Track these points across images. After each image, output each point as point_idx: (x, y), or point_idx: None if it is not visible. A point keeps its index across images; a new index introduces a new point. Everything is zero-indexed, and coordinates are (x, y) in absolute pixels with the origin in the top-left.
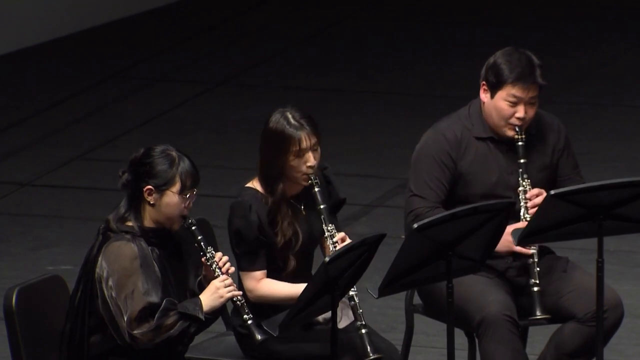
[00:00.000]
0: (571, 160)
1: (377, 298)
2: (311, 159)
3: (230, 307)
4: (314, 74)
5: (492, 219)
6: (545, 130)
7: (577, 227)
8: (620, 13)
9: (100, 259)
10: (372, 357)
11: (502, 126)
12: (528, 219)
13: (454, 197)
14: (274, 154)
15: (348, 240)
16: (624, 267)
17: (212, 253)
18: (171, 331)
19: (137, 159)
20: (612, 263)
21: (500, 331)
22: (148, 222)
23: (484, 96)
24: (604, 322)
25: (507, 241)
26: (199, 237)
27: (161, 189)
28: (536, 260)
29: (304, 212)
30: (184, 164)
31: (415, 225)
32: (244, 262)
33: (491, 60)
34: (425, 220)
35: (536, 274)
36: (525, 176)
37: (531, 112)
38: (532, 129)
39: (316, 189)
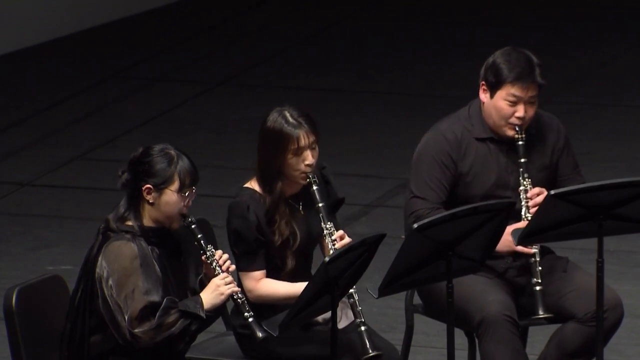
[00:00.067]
0: (571, 160)
1: (377, 298)
2: (309, 157)
3: (230, 306)
4: (314, 74)
5: (492, 219)
6: (544, 130)
7: (577, 227)
8: (620, 13)
9: (100, 258)
10: (371, 354)
11: (502, 126)
12: (529, 218)
13: (454, 198)
14: (272, 152)
15: (347, 239)
16: (624, 267)
17: (212, 251)
18: (172, 329)
19: (135, 158)
20: (612, 263)
21: (500, 331)
22: (148, 222)
23: (484, 96)
24: (604, 322)
25: (507, 241)
26: (199, 236)
27: (160, 187)
28: (538, 259)
29: (302, 212)
30: (183, 163)
31: (415, 225)
32: (243, 262)
33: (490, 60)
34: (425, 220)
35: (538, 273)
36: (526, 175)
37: (531, 111)
38: (532, 129)
39: (314, 188)
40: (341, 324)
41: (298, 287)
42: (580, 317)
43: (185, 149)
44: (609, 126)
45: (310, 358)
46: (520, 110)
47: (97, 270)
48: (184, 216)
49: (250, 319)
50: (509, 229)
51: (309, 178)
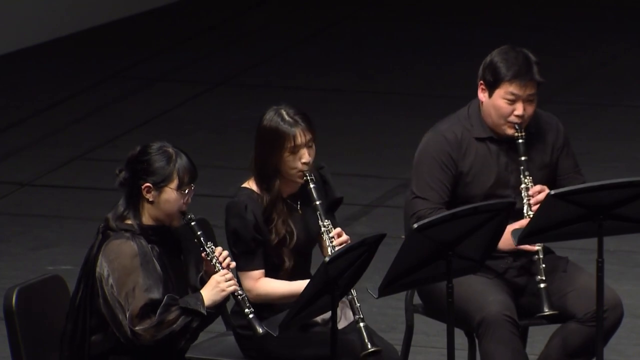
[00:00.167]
0: (571, 158)
1: (377, 298)
2: (306, 156)
3: (230, 306)
4: (314, 74)
5: (492, 219)
6: (544, 129)
7: (577, 227)
8: (620, 13)
9: (100, 257)
10: (370, 350)
11: (501, 125)
12: (531, 215)
13: (454, 198)
14: (269, 151)
15: (345, 236)
16: (624, 267)
17: (212, 248)
18: (173, 326)
19: (134, 156)
20: (612, 263)
21: (500, 331)
22: (147, 220)
23: (482, 96)
24: (604, 322)
25: (509, 239)
26: (199, 233)
27: (159, 185)
28: (541, 256)
29: (300, 211)
30: (181, 160)
31: (415, 225)
32: (241, 262)
33: (488, 59)
34: (425, 220)
35: (542, 270)
36: (527, 173)
37: (530, 109)
38: (532, 128)
39: (311, 186)
40: (340, 325)
41: (297, 286)
42: (580, 317)
43: (185, 149)
44: (609, 126)
45: (310, 359)
46: (519, 109)
47: (97, 269)
48: (183, 214)
49: (251, 315)
50: (510, 227)
51: (306, 176)
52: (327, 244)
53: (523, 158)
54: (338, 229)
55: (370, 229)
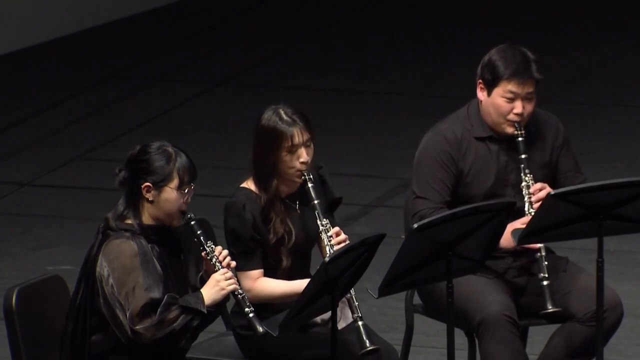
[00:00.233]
0: (571, 157)
1: (377, 298)
2: (304, 155)
3: (230, 306)
4: (314, 74)
5: (492, 219)
6: (543, 128)
7: (577, 227)
8: (620, 13)
9: (100, 257)
10: (369, 348)
11: (500, 123)
12: (532, 213)
13: (455, 198)
14: (267, 150)
15: (343, 235)
16: (624, 267)
17: (212, 247)
18: (174, 325)
19: (133, 156)
20: (612, 263)
21: (500, 331)
22: (147, 219)
23: (481, 94)
24: (604, 322)
25: (510, 238)
26: (199, 232)
27: (159, 185)
28: (544, 254)
29: (298, 211)
30: (181, 160)
31: (415, 225)
32: (240, 262)
33: (486, 58)
34: (425, 220)
35: (544, 267)
36: (527, 171)
37: (529, 107)
38: (531, 127)
39: (309, 185)
40: (339, 325)
41: (295, 285)
42: (580, 317)
43: (185, 149)
44: (609, 126)
45: (309, 359)
46: (518, 107)
47: (98, 269)
48: (183, 213)
49: (251, 315)
50: (512, 225)
51: (304, 176)
52: (326, 243)
53: (523, 156)
54: (336, 228)
55: (370, 229)
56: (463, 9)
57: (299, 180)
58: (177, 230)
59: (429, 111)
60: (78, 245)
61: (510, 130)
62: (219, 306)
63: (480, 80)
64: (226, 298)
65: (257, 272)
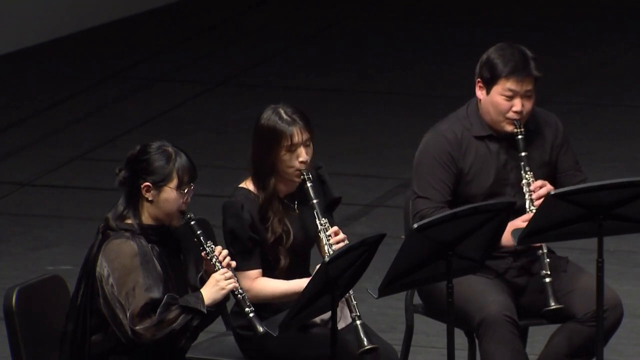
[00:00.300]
0: (571, 156)
1: (377, 298)
2: (303, 154)
3: (230, 306)
4: (314, 74)
5: (492, 219)
6: (543, 126)
7: (577, 227)
8: (620, 13)
9: (100, 257)
10: (367, 347)
11: (500, 121)
12: (534, 210)
13: (456, 197)
14: (266, 149)
15: (342, 235)
16: (624, 267)
17: (212, 247)
18: (174, 325)
19: (133, 156)
20: (612, 263)
21: (500, 331)
22: (147, 219)
23: (480, 93)
24: (604, 322)
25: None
26: (198, 232)
27: (159, 185)
28: (545, 251)
29: (297, 211)
30: (181, 160)
31: (415, 225)
32: (238, 262)
33: (484, 56)
34: (425, 220)
35: (547, 265)
36: (527, 169)
37: (528, 105)
38: (530, 125)
39: (308, 184)
40: (339, 325)
41: (294, 285)
42: (580, 317)
43: (185, 149)
44: (609, 126)
45: (309, 359)
46: (517, 105)
47: (97, 269)
48: (183, 213)
49: (251, 314)
50: (513, 223)
51: (303, 175)
52: (324, 242)
53: (523, 154)
54: (335, 228)
55: (370, 229)
56: (463, 9)
57: (297, 180)
58: (176, 230)
59: (429, 111)
60: (78, 245)
61: (509, 128)
62: (219, 306)
63: (479, 79)
64: (226, 298)
65: (256, 272)
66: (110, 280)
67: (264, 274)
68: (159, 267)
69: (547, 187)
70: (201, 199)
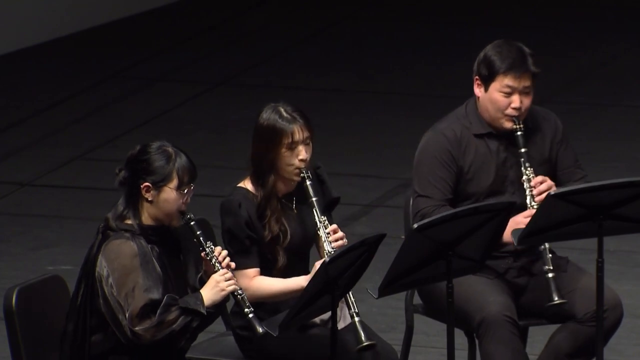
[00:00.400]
0: (570, 153)
1: (377, 298)
2: (303, 153)
3: (230, 306)
4: (314, 74)
5: (492, 219)
6: (542, 124)
7: (577, 227)
8: (620, 13)
9: (100, 257)
10: (365, 344)
11: (499, 118)
12: (535, 206)
13: (456, 196)
14: (267, 147)
15: (340, 232)
16: (624, 267)
17: (212, 248)
18: (173, 326)
19: (133, 156)
20: (612, 263)
21: (500, 331)
22: (147, 220)
23: (478, 91)
24: (604, 322)
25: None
26: (198, 233)
27: (159, 185)
28: (547, 246)
29: (295, 210)
30: (181, 160)
31: (415, 226)
32: (236, 261)
33: (482, 54)
34: (425, 220)
35: (549, 260)
36: (527, 165)
37: (527, 101)
38: (529, 123)
39: (308, 182)
40: (338, 325)
41: (291, 283)
42: (580, 317)
43: (185, 149)
44: (609, 126)
45: (309, 359)
46: (515, 101)
47: (97, 269)
48: (182, 213)
49: (251, 315)
50: (514, 220)
51: (303, 173)
52: (324, 239)
53: (523, 150)
54: (334, 226)
55: (370, 229)
56: (463, 9)
57: (297, 179)
58: (176, 230)
59: (429, 111)
60: (78, 245)
61: (508, 125)
62: (219, 307)
63: (477, 77)
64: (226, 298)
65: (254, 271)
66: (110, 280)
67: (262, 274)
68: (158, 268)
69: (548, 183)
70: (201, 199)
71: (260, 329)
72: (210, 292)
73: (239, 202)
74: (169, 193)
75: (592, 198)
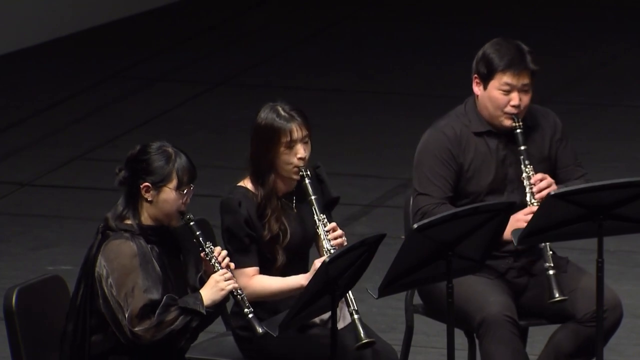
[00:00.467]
0: (570, 151)
1: (377, 298)
2: (301, 151)
3: (230, 306)
4: (314, 74)
5: (492, 219)
6: (541, 122)
7: (577, 227)
8: (620, 13)
9: (99, 257)
10: (364, 341)
11: (498, 116)
12: (535, 204)
13: (456, 193)
14: (265, 146)
15: (339, 231)
16: (624, 267)
17: (211, 248)
18: (173, 326)
19: (133, 156)
20: (612, 263)
21: (500, 331)
22: (146, 220)
23: (477, 89)
24: (604, 322)
25: (513, 227)
26: (198, 233)
27: (158, 185)
28: (548, 244)
29: (295, 210)
30: (181, 160)
31: (415, 226)
32: (235, 259)
33: (480, 52)
34: (425, 220)
35: (550, 257)
36: (527, 162)
37: (526, 99)
38: (528, 121)
39: (307, 181)
40: (338, 325)
41: (290, 282)
42: (580, 318)
43: (185, 149)
44: (609, 126)
45: (309, 359)
46: (514, 99)
47: (97, 269)
48: (182, 214)
49: (250, 315)
50: (514, 218)
51: (302, 172)
52: (323, 237)
53: (522, 147)
54: (333, 224)
55: (370, 229)
56: (463, 9)
57: (296, 177)
58: (176, 230)
59: (429, 111)
60: (78, 245)
61: (508, 123)
62: (218, 306)
63: (476, 75)
64: (225, 298)
65: (253, 270)
66: (110, 280)
67: (261, 273)
68: (158, 268)
69: (548, 180)
70: (201, 199)
71: (260, 329)
72: (209, 291)
73: (238, 201)
74: (169, 193)
75: (592, 198)
